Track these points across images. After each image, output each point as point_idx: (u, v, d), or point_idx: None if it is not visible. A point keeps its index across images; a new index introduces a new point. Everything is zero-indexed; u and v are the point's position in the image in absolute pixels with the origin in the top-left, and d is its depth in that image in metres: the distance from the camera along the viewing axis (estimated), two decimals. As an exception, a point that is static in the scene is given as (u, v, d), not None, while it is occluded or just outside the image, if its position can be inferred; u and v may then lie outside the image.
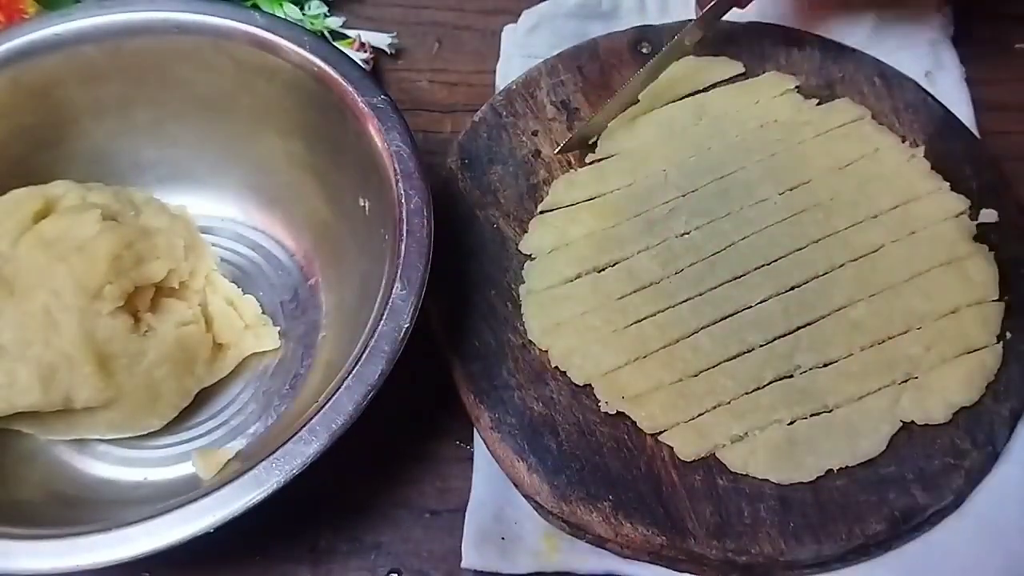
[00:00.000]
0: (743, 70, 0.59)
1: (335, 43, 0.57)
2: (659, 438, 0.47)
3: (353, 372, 0.40)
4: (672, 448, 0.47)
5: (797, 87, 0.59)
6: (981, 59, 0.63)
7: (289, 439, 0.38)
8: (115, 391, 0.45)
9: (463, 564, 0.46)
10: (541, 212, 0.55)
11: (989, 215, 0.53)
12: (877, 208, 0.54)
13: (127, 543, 0.36)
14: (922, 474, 0.46)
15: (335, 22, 0.64)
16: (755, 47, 0.60)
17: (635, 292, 0.51)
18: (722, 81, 0.59)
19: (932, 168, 0.55)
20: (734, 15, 0.62)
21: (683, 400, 0.48)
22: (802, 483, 0.46)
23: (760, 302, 0.51)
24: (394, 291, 0.42)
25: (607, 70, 0.60)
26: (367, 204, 0.48)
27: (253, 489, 0.37)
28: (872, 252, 0.52)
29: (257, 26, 0.49)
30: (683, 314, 0.50)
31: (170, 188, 0.55)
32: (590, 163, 0.57)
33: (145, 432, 0.48)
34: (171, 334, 0.47)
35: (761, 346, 0.49)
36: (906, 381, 0.48)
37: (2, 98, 0.49)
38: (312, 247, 0.54)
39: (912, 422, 0.47)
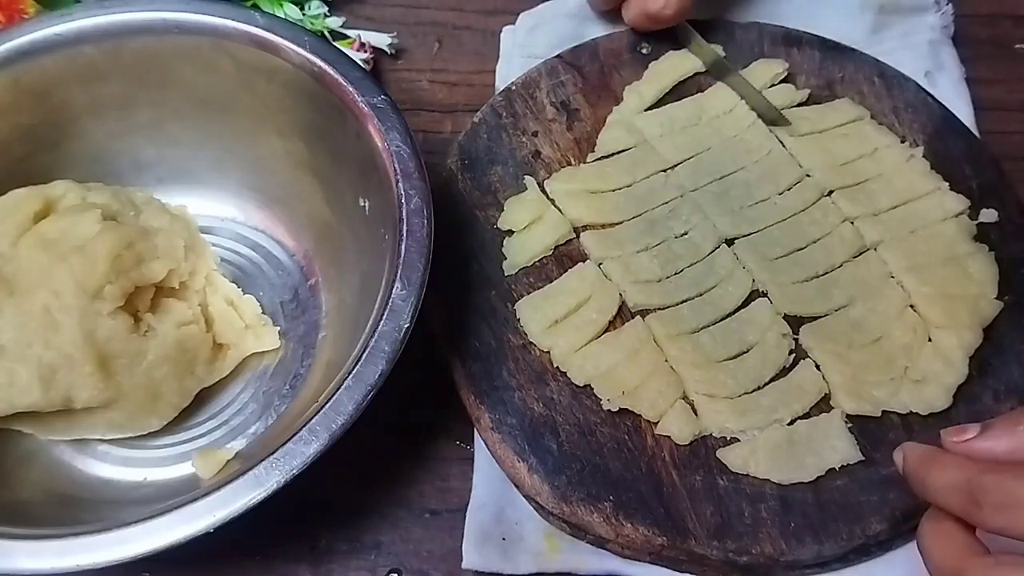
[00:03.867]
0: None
1: (335, 43, 0.57)
2: (657, 430, 0.47)
3: (353, 372, 0.40)
4: (672, 448, 0.47)
5: (787, 73, 0.59)
6: (981, 59, 0.63)
7: (289, 439, 0.38)
8: (115, 391, 0.45)
9: (464, 564, 0.46)
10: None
11: (989, 215, 0.53)
12: (877, 207, 0.54)
13: (127, 543, 0.36)
14: (923, 474, 0.46)
15: (335, 22, 0.64)
16: (755, 47, 0.61)
17: (633, 283, 0.51)
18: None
19: (932, 168, 0.55)
20: (734, 15, 0.62)
21: (681, 384, 0.48)
22: (803, 483, 0.46)
23: (759, 302, 0.51)
24: (394, 291, 0.42)
25: (607, 71, 0.60)
26: (367, 204, 0.48)
27: (253, 489, 0.37)
28: (872, 251, 0.52)
29: (257, 26, 0.49)
30: (683, 314, 0.50)
31: (170, 188, 0.55)
32: (590, 162, 0.57)
33: (145, 432, 0.48)
34: (171, 334, 0.47)
35: (761, 346, 0.49)
36: (903, 375, 0.48)
37: (2, 98, 0.49)
38: (312, 247, 0.54)
39: (914, 416, 0.47)
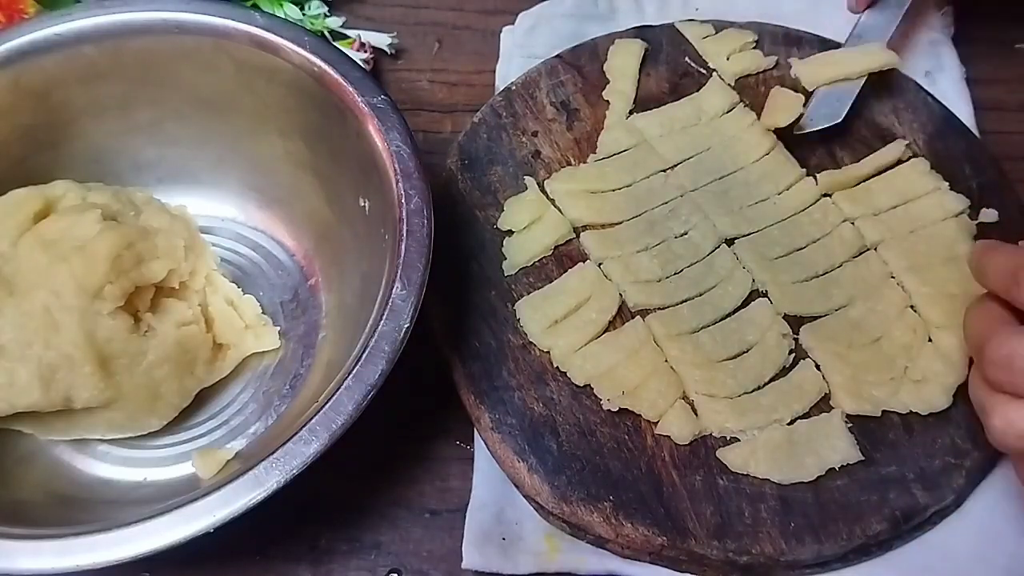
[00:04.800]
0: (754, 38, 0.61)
1: (335, 43, 0.57)
2: (657, 430, 0.47)
3: (353, 372, 0.40)
4: (672, 448, 0.47)
5: (755, 41, 0.60)
6: (981, 59, 0.63)
7: (289, 439, 0.38)
8: (115, 391, 0.45)
9: (464, 564, 0.45)
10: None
11: (989, 215, 0.53)
12: (877, 207, 0.54)
13: (127, 543, 0.36)
14: (923, 474, 0.46)
15: (335, 22, 0.64)
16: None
17: (633, 283, 0.51)
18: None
19: (932, 168, 0.55)
20: (734, 15, 0.62)
21: (681, 384, 0.48)
22: (803, 483, 0.46)
23: (759, 302, 0.51)
24: (394, 291, 0.42)
25: (606, 70, 0.60)
26: (367, 204, 0.48)
27: (253, 489, 0.37)
28: (872, 251, 0.52)
29: (257, 26, 0.49)
30: (683, 314, 0.50)
31: (170, 188, 0.55)
32: (590, 163, 0.57)
33: (145, 432, 0.48)
34: (171, 334, 0.47)
35: (761, 346, 0.49)
36: (903, 374, 0.48)
37: (2, 98, 0.49)
38: (312, 247, 0.54)
39: (914, 416, 0.47)
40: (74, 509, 0.46)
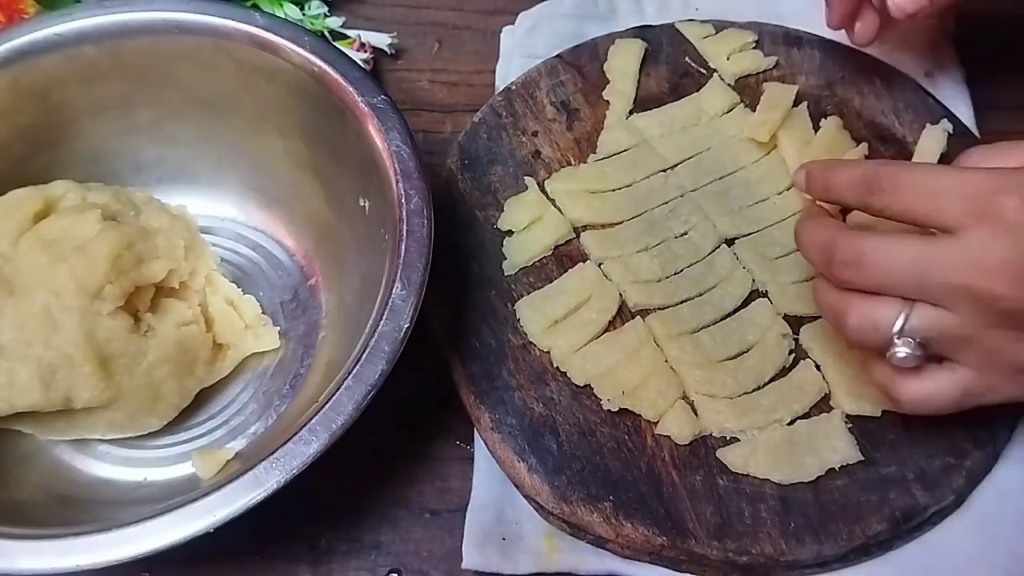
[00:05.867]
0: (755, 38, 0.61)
1: (335, 43, 0.57)
2: (657, 430, 0.47)
3: (353, 372, 0.40)
4: (672, 448, 0.47)
5: (755, 41, 0.60)
6: (981, 59, 0.63)
7: (289, 439, 0.38)
8: (115, 391, 0.45)
9: (464, 564, 0.45)
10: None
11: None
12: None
13: (127, 543, 0.36)
14: (923, 474, 0.46)
15: (335, 22, 0.64)
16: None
17: (633, 283, 0.51)
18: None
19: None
20: (734, 15, 0.62)
21: (681, 384, 0.48)
22: (803, 483, 0.46)
23: (759, 302, 0.51)
24: (394, 291, 0.42)
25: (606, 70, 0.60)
26: (367, 204, 0.48)
27: (253, 489, 0.37)
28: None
29: (257, 26, 0.49)
30: (683, 314, 0.50)
31: (170, 188, 0.55)
32: (591, 163, 0.57)
33: (145, 432, 0.48)
34: (171, 334, 0.47)
35: (761, 346, 0.49)
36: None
37: (2, 98, 0.49)
38: (312, 247, 0.54)
39: (914, 416, 0.47)
40: (74, 509, 0.46)
